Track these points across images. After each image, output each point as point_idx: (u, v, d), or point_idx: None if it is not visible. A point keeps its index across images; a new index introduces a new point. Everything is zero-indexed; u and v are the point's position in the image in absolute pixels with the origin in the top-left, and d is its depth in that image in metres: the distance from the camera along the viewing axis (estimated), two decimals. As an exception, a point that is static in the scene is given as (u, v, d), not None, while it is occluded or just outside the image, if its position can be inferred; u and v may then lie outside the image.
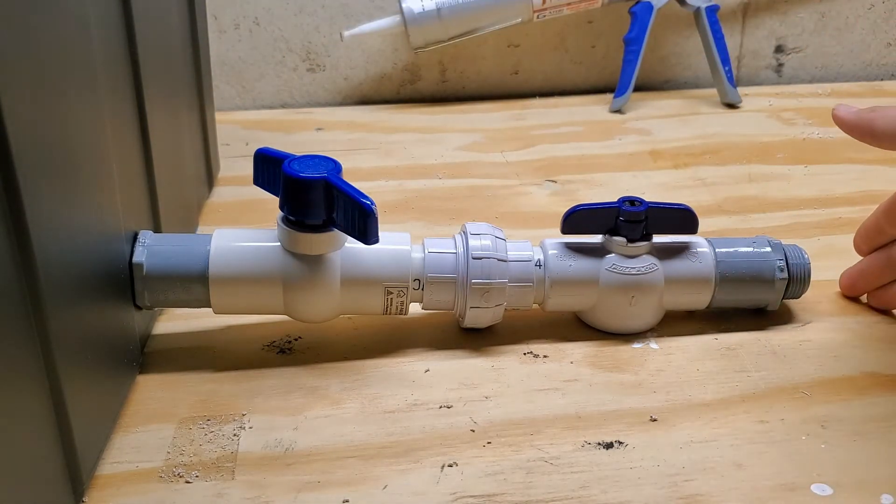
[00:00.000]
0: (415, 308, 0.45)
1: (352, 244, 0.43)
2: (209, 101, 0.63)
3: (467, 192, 0.64)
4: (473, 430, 0.39)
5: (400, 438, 0.39)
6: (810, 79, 0.89)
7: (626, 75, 0.79)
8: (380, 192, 0.63)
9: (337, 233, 0.42)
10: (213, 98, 0.65)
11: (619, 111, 0.80)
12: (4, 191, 0.27)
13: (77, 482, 0.34)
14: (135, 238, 0.42)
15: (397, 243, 0.44)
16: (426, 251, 0.44)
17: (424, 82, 0.84)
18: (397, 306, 0.44)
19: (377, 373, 0.43)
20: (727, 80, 0.80)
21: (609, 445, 0.38)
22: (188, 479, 0.36)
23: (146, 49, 0.44)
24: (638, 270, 0.44)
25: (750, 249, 0.46)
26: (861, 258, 0.49)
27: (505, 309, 0.45)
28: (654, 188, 0.64)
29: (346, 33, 0.77)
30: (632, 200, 0.45)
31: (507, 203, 0.62)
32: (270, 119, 0.79)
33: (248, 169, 0.45)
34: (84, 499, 0.35)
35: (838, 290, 0.50)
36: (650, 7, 0.79)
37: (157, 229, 0.46)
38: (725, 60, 0.80)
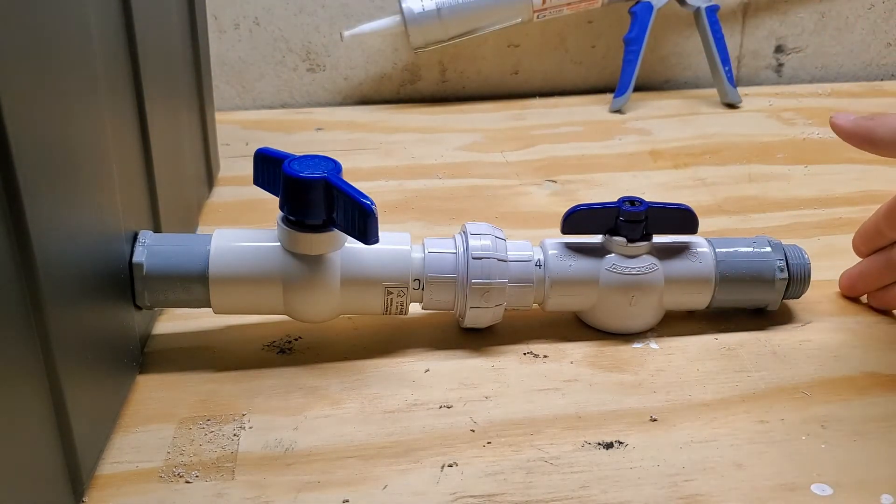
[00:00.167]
0: (415, 308, 0.45)
1: (352, 244, 0.43)
2: (209, 101, 0.63)
3: (467, 192, 0.64)
4: (473, 430, 0.39)
5: (400, 438, 0.39)
6: (810, 79, 0.89)
7: (626, 75, 0.79)
8: (380, 192, 0.63)
9: (337, 233, 0.42)
10: (213, 98, 0.65)
11: (619, 111, 0.80)
12: (4, 191, 0.27)
13: (77, 482, 0.34)
14: (135, 238, 0.42)
15: (397, 243, 0.44)
16: (426, 251, 0.44)
17: (424, 82, 0.84)
18: (397, 306, 0.44)
19: (377, 373, 0.43)
20: (727, 80, 0.80)
21: (609, 445, 0.38)
22: (188, 479, 0.36)
23: (146, 49, 0.44)
24: (638, 270, 0.44)
25: (750, 249, 0.46)
26: (860, 260, 0.49)
27: (505, 309, 0.45)
28: (654, 188, 0.64)
29: (346, 33, 0.77)
30: (632, 200, 0.44)
31: (507, 203, 0.62)
32: (270, 119, 0.79)
33: (248, 169, 0.45)
34: (84, 499, 0.35)
35: (838, 290, 0.50)
36: (650, 7, 0.79)
37: (157, 229, 0.46)
38: (725, 60, 0.80)
